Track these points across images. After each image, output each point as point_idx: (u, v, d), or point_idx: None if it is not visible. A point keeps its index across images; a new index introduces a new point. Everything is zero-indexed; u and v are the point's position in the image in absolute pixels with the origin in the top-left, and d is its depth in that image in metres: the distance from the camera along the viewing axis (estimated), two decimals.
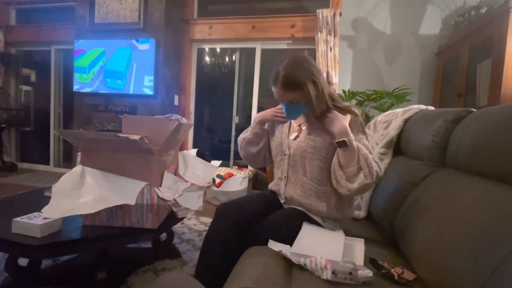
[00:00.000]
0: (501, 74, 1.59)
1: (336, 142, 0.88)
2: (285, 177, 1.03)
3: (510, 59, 1.58)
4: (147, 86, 2.85)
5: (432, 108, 1.25)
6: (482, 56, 1.86)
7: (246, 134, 1.13)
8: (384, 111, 2.24)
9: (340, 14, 2.61)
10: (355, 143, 0.86)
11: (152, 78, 2.83)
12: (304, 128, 1.02)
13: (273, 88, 0.94)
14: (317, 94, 0.90)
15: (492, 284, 0.52)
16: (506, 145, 0.64)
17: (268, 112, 1.09)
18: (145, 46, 2.81)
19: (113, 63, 2.92)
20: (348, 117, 0.91)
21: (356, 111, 0.96)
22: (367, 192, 1.26)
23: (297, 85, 0.89)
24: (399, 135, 1.27)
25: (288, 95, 0.91)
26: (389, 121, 1.37)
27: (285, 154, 1.02)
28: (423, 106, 1.28)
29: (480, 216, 0.63)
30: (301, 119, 1.06)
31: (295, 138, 1.02)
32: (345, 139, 0.86)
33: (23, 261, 1.14)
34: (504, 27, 1.59)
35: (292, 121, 1.08)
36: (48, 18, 3.60)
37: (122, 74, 2.90)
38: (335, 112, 0.92)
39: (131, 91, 2.89)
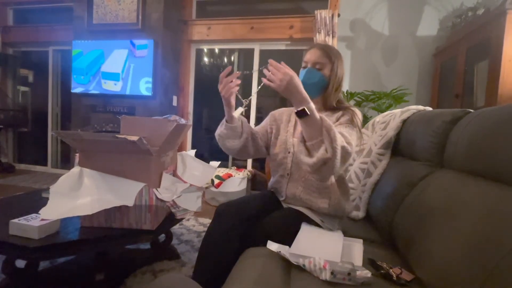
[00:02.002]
0: (498, 75, 1.60)
1: (296, 113, 0.79)
2: (287, 174, 1.04)
3: (506, 60, 1.59)
4: (144, 88, 2.85)
5: (430, 108, 1.25)
6: (479, 57, 1.87)
7: (221, 129, 1.02)
8: (382, 111, 2.25)
9: (338, 15, 2.62)
10: (317, 114, 0.78)
11: (150, 79, 2.83)
12: None
13: (307, 52, 1.01)
14: (336, 76, 0.99)
15: (490, 284, 0.52)
16: (504, 145, 0.64)
17: (222, 90, 0.92)
18: (143, 47, 2.81)
19: (110, 64, 2.92)
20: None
21: (355, 109, 0.97)
22: (366, 192, 1.26)
23: (331, 54, 0.98)
24: (397, 135, 1.27)
25: (319, 56, 0.97)
26: (387, 122, 1.37)
27: (289, 152, 1.04)
28: (421, 107, 1.29)
29: (478, 216, 0.63)
30: None
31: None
32: (304, 107, 0.77)
33: (20, 263, 1.14)
34: (501, 28, 1.60)
35: (298, 120, 1.07)
36: (46, 19, 3.59)
37: (118, 75, 2.90)
38: (295, 80, 0.81)
39: (127, 92, 2.90)
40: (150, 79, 2.82)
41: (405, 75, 2.65)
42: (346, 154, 0.79)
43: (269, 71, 0.81)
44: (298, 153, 0.84)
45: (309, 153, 0.81)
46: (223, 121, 1.02)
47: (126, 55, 2.85)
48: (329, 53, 0.98)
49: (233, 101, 0.95)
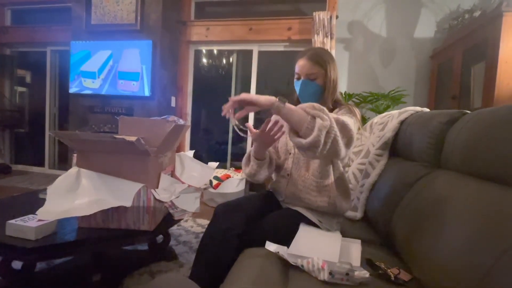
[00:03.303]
0: (495, 77, 1.62)
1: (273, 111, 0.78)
2: (287, 174, 1.04)
3: (503, 62, 1.60)
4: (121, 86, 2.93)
5: (427, 110, 1.26)
6: (475, 59, 1.89)
7: (253, 168, 1.02)
8: (380, 113, 2.26)
9: (337, 17, 2.63)
10: (290, 105, 0.77)
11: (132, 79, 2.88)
12: None
13: (298, 62, 1.00)
14: (332, 80, 0.98)
15: (487, 284, 0.53)
16: (500, 146, 0.64)
17: (266, 139, 0.93)
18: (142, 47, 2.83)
19: (92, 64, 2.98)
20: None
21: (355, 109, 0.98)
22: (363, 193, 1.27)
23: (321, 62, 0.97)
24: (395, 136, 1.28)
25: (310, 67, 0.97)
26: (385, 123, 1.38)
27: (290, 153, 1.05)
28: (418, 108, 1.30)
29: (474, 216, 0.63)
30: None
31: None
32: (273, 104, 0.77)
33: (17, 264, 1.13)
34: (497, 31, 1.62)
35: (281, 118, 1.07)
36: (43, 19, 3.58)
37: (95, 74, 2.98)
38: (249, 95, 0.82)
39: (104, 92, 2.96)
40: (133, 80, 2.86)
41: (403, 76, 2.66)
42: (343, 126, 0.77)
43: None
44: (298, 143, 0.77)
45: (306, 136, 0.75)
46: (250, 158, 1.03)
47: (109, 55, 2.91)
48: (319, 61, 0.97)
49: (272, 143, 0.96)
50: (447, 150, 0.88)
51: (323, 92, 0.99)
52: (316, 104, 0.76)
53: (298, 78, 1.00)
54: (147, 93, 2.83)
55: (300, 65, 0.99)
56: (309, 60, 0.97)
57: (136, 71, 2.86)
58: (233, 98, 0.81)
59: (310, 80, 0.98)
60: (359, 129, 0.95)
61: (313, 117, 0.74)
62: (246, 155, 1.07)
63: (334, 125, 0.74)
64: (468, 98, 1.94)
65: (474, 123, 0.78)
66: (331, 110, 1.00)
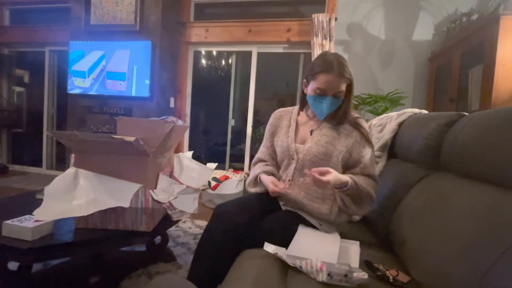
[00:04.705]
0: (492, 79, 1.63)
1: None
2: (289, 180, 1.03)
3: (500, 65, 1.61)
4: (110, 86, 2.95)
5: (425, 111, 1.27)
6: (473, 62, 1.90)
7: (261, 190, 1.10)
8: (378, 114, 2.26)
9: (336, 19, 2.64)
10: (353, 186, 0.90)
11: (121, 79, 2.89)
12: (315, 133, 1.02)
13: (324, 76, 0.93)
14: (353, 93, 1.00)
15: (485, 285, 0.53)
16: (497, 148, 0.65)
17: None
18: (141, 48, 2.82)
19: (84, 64, 3.00)
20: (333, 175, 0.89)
21: (362, 123, 1.00)
22: None
23: (348, 77, 0.94)
24: (394, 138, 1.28)
25: (341, 85, 0.94)
26: (384, 125, 1.38)
27: (293, 159, 1.02)
28: (416, 110, 1.30)
29: (472, 218, 0.64)
30: (314, 125, 1.06)
31: (303, 143, 1.02)
32: (342, 188, 0.91)
33: (13, 265, 1.12)
34: (495, 34, 1.63)
35: (300, 125, 1.09)
36: (42, 19, 3.57)
37: (85, 73, 3.00)
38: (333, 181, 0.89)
39: (94, 91, 2.98)
40: (120, 80, 2.88)
41: (401, 78, 2.68)
42: (377, 190, 0.98)
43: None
44: (347, 202, 0.95)
45: (356, 202, 0.95)
46: (257, 180, 1.10)
47: (101, 56, 2.92)
48: (348, 74, 0.94)
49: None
50: (445, 152, 0.89)
51: (345, 105, 0.99)
52: (367, 190, 0.91)
53: (322, 94, 0.95)
54: (134, 93, 2.84)
55: (329, 82, 0.93)
56: (339, 77, 0.92)
57: (123, 71, 2.86)
58: (316, 177, 0.87)
59: (336, 97, 0.96)
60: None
61: (364, 200, 0.93)
62: (253, 177, 1.10)
63: (375, 201, 0.96)
64: (466, 101, 1.95)
65: (472, 126, 0.78)
66: (342, 119, 1.00)
